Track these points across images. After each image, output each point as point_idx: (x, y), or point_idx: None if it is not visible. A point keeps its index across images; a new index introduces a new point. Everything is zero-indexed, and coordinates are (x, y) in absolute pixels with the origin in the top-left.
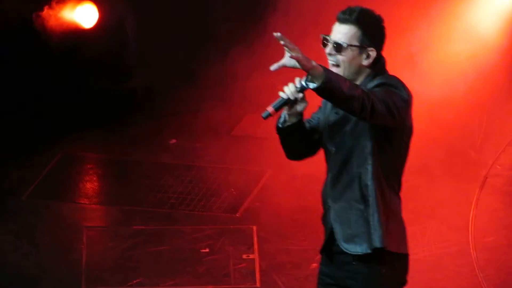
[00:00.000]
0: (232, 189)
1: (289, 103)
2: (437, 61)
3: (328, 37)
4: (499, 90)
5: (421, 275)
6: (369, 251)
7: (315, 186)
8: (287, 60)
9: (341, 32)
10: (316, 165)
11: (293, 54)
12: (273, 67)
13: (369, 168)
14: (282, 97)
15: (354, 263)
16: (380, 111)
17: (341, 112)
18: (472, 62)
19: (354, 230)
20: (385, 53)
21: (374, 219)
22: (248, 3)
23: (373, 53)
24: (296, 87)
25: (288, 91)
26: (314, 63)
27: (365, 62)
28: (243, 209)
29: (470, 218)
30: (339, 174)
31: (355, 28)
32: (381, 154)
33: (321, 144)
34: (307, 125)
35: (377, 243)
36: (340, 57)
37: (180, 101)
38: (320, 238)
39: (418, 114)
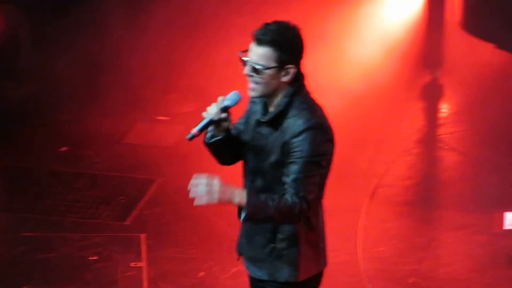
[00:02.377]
0: (122, 197)
1: (213, 123)
2: (331, 77)
3: (245, 60)
4: (391, 101)
5: None
6: (269, 279)
7: None
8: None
9: (258, 54)
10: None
11: (208, 201)
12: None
13: None
14: (205, 118)
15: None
16: (312, 199)
17: (266, 135)
18: (364, 74)
19: (257, 255)
20: None
21: (283, 255)
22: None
23: (292, 70)
24: (219, 107)
25: (212, 111)
26: (234, 198)
27: (285, 79)
28: (132, 217)
29: (359, 228)
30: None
31: (272, 50)
32: None
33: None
34: (233, 132)
35: (281, 279)
36: (258, 79)
37: (70, 109)
38: (207, 247)
39: None
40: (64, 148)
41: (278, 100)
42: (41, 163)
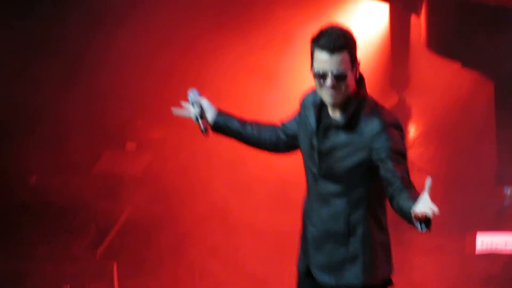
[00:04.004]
0: (93, 226)
1: (198, 118)
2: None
3: (326, 72)
4: None
5: None
6: (343, 284)
7: (170, 224)
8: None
9: (338, 62)
10: (174, 205)
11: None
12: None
13: (362, 212)
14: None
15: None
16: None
17: (334, 139)
18: None
19: (330, 261)
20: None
21: (357, 258)
22: None
23: (359, 66)
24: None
25: (192, 110)
26: None
27: (357, 76)
28: (104, 247)
29: None
30: (323, 201)
31: (347, 52)
32: (373, 193)
33: (292, 148)
34: (280, 129)
35: (355, 283)
36: (344, 85)
37: (39, 137)
38: (180, 274)
39: None
40: (33, 178)
41: (348, 102)
42: (9, 194)
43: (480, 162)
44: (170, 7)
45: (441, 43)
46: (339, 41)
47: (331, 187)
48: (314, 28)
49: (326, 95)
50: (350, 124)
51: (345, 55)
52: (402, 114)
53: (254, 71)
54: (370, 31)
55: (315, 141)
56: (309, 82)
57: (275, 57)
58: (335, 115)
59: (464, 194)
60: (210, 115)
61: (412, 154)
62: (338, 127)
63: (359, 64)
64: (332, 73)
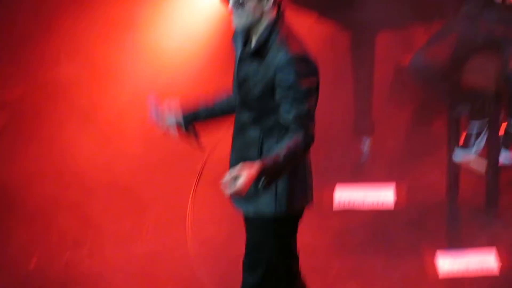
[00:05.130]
0: None
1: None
2: None
3: None
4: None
5: (139, 270)
6: (256, 215)
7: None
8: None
9: None
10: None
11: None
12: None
13: (274, 140)
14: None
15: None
16: (313, 129)
17: (247, 68)
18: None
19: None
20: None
21: (271, 188)
22: None
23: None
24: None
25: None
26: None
27: (266, 7)
28: None
29: (188, 211)
30: (240, 130)
31: None
32: None
33: None
34: None
35: (266, 212)
36: (241, 11)
37: None
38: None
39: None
40: None
41: (260, 31)
42: None
43: (337, 113)
44: None
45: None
46: None
47: (246, 116)
48: None
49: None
50: (260, 53)
51: None
52: None
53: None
54: None
55: (235, 70)
56: None
57: None
58: (252, 44)
59: (323, 147)
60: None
61: None
62: (249, 55)
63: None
64: None
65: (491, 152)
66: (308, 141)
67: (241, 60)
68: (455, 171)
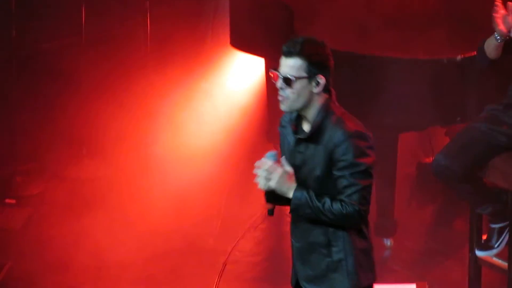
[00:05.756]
0: None
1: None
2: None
3: (277, 71)
4: (236, 176)
5: None
6: None
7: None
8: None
9: (288, 66)
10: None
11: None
12: None
13: None
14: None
15: None
16: (366, 211)
17: (304, 152)
18: (207, 151)
19: (315, 272)
20: None
21: (341, 266)
22: None
23: (322, 80)
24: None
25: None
26: (289, 193)
27: (315, 90)
28: None
29: None
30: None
31: (301, 60)
32: None
33: None
34: None
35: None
36: (289, 90)
37: None
38: None
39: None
40: None
41: (313, 114)
42: None
43: None
44: None
45: None
46: (294, 46)
47: None
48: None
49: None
50: (316, 136)
51: (297, 61)
52: None
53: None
54: (249, 81)
55: (291, 157)
56: None
57: None
58: (305, 128)
59: None
60: None
61: None
62: (305, 139)
63: (322, 78)
64: (280, 74)
65: None
66: (356, 218)
67: (297, 144)
68: (477, 270)
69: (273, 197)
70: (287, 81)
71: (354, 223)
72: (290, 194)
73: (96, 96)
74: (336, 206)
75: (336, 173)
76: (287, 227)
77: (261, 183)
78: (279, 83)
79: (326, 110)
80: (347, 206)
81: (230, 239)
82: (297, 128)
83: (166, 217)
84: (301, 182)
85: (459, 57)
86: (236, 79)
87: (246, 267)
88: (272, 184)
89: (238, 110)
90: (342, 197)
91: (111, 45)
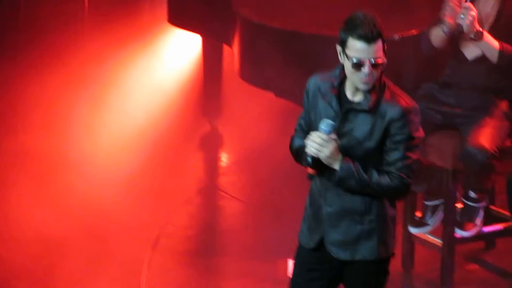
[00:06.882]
0: None
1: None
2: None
3: (363, 61)
4: (171, 152)
5: None
6: (360, 259)
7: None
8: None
9: (376, 50)
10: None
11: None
12: None
13: None
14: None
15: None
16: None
17: (354, 121)
18: (141, 128)
19: (346, 238)
20: None
21: (373, 234)
22: None
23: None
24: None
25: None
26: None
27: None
28: None
29: (142, 279)
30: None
31: (381, 41)
32: None
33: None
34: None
35: (371, 257)
36: (377, 71)
37: None
38: None
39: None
40: None
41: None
42: None
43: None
44: None
45: (254, 73)
46: (376, 30)
47: None
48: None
49: (361, 83)
50: (373, 108)
51: (380, 43)
52: (215, 143)
53: None
54: (182, 61)
55: (337, 122)
56: None
57: None
58: (355, 98)
59: (276, 220)
60: None
61: (225, 182)
62: (361, 110)
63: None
64: (370, 62)
65: (446, 228)
66: (403, 191)
67: (343, 114)
68: (410, 246)
69: (319, 164)
70: (378, 66)
71: (401, 196)
72: (336, 166)
73: (33, 71)
74: (384, 179)
75: (391, 146)
76: (221, 201)
77: (312, 151)
78: (368, 69)
79: (384, 83)
80: (394, 179)
81: (164, 213)
82: (340, 96)
83: (98, 191)
84: (344, 151)
85: (396, 36)
86: (174, 55)
87: (180, 240)
88: (322, 155)
89: (175, 85)
90: (391, 168)
91: (48, 22)
